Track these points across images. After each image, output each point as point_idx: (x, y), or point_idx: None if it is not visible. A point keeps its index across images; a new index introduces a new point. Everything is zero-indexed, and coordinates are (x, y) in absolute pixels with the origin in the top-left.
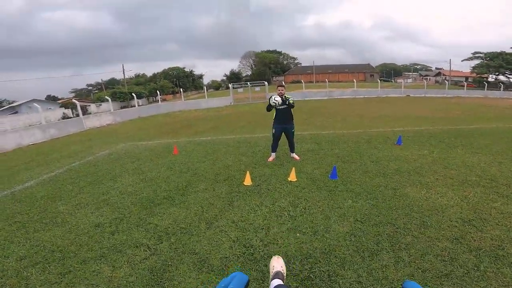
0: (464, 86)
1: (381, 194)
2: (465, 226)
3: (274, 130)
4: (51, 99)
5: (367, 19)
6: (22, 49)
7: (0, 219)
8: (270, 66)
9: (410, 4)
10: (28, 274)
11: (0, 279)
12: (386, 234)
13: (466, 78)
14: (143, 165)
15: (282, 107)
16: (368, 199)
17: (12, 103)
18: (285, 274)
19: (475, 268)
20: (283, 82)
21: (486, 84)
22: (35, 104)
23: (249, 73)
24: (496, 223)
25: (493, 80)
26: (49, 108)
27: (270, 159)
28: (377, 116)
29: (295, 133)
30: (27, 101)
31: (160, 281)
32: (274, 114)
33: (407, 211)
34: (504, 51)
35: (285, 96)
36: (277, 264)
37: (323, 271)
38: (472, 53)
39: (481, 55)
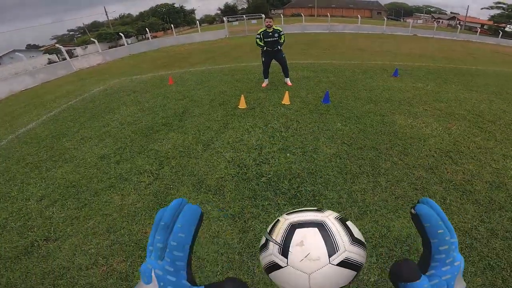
0: (477, 31)
1: (369, 119)
2: (442, 157)
3: (263, 59)
4: (32, 47)
5: None
6: None
7: (12, 162)
8: None
9: None
10: (50, 213)
11: (28, 222)
12: (369, 158)
13: (482, 25)
14: (140, 96)
15: (271, 39)
16: (357, 123)
17: None
18: None
19: (442, 200)
20: (270, 16)
21: (501, 32)
22: (18, 53)
23: (245, 6)
24: (472, 157)
25: (510, 30)
26: (32, 56)
27: (264, 84)
28: (378, 51)
29: (287, 60)
30: (8, 52)
31: (164, 204)
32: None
33: (391, 137)
34: None
35: (274, 28)
36: None
37: (308, 190)
38: (494, 3)
39: (503, 5)
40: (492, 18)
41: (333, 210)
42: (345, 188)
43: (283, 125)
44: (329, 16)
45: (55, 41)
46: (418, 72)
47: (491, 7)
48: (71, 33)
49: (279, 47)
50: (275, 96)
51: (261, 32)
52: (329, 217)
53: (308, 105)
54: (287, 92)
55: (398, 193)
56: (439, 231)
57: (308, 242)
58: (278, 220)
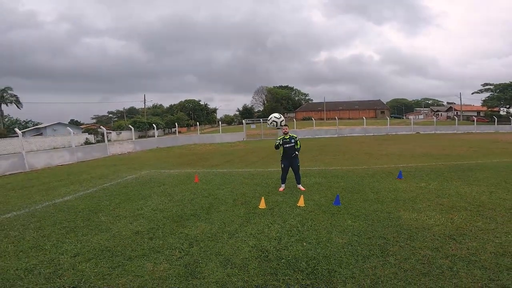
0: (474, 121)
1: (377, 216)
2: (446, 239)
3: (282, 165)
4: (74, 123)
5: (376, 54)
6: (54, 72)
7: (48, 224)
8: (282, 102)
9: (414, 37)
10: (83, 267)
11: (57, 271)
12: (378, 244)
13: (478, 112)
14: (169, 189)
15: (288, 145)
16: (366, 220)
17: (37, 124)
18: None
19: (449, 270)
20: (286, 124)
21: (496, 118)
22: (68, 128)
23: (261, 108)
24: (474, 237)
25: (504, 113)
26: (74, 133)
27: (281, 189)
28: (384, 154)
29: (300, 167)
30: (52, 124)
31: (193, 273)
32: (282, 151)
33: (398, 229)
34: None
35: (290, 135)
36: None
37: (324, 268)
38: (482, 85)
39: (491, 87)
40: (485, 103)
41: (347, 283)
42: (357, 266)
43: (299, 223)
44: (337, 119)
45: (95, 120)
46: (421, 173)
47: (481, 91)
48: (110, 115)
49: (296, 152)
50: (291, 199)
51: (280, 139)
52: None
53: (321, 207)
54: (302, 196)
55: (406, 267)
56: None
57: None
58: None
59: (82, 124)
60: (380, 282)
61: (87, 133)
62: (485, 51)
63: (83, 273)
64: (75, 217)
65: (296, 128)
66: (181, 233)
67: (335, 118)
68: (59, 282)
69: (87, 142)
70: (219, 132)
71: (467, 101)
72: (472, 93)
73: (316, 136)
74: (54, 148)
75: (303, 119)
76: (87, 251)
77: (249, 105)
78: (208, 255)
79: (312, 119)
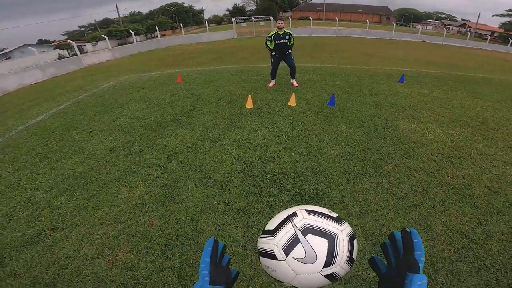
0: (487, 39)
1: (373, 123)
2: (443, 161)
3: (272, 59)
4: (43, 42)
5: None
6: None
7: (22, 152)
8: (277, 1)
9: None
10: (58, 203)
11: (35, 211)
12: (372, 160)
13: (492, 32)
14: (149, 93)
15: (281, 41)
16: (361, 127)
17: (3, 50)
18: None
19: (441, 203)
20: (283, 17)
21: (510, 40)
22: (30, 48)
23: (254, 8)
24: (472, 163)
25: None
26: (43, 51)
27: (270, 84)
28: (386, 56)
29: (295, 61)
30: (19, 46)
31: (171, 196)
32: (273, 47)
33: (394, 141)
34: None
35: (284, 31)
36: None
37: (312, 188)
38: (506, 10)
39: None
40: (503, 25)
41: (334, 209)
42: (348, 188)
43: (289, 126)
44: (337, 20)
45: (66, 37)
46: (424, 79)
47: (503, 15)
48: (82, 29)
49: (289, 50)
50: (282, 97)
51: (272, 34)
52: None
53: (314, 108)
54: (293, 94)
55: (399, 195)
56: (423, 247)
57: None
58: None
59: (53, 42)
60: (369, 211)
61: (58, 49)
62: None
63: (59, 210)
64: (48, 140)
65: (291, 26)
66: (159, 144)
67: (335, 20)
68: (39, 225)
69: (61, 57)
70: (207, 32)
71: (484, 22)
72: (493, 15)
73: (313, 35)
74: (27, 68)
75: (300, 19)
76: (61, 181)
77: (240, 4)
78: (187, 171)
79: (310, 19)
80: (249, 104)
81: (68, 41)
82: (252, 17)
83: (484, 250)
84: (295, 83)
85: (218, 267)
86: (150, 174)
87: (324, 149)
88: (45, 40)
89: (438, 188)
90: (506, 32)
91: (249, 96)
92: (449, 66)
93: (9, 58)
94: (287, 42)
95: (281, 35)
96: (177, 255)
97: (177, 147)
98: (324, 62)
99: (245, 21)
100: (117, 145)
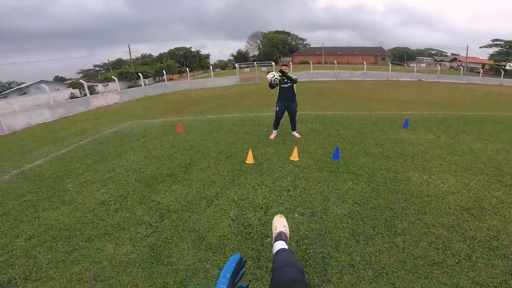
0: (480, 72)
1: (382, 177)
2: (463, 214)
3: (277, 108)
4: (59, 80)
5: (381, 4)
6: (34, 33)
7: (10, 198)
8: (278, 47)
9: None
10: (36, 253)
11: (10, 259)
12: (383, 218)
13: (483, 65)
14: (148, 142)
15: (285, 85)
16: (369, 182)
17: (20, 84)
18: (288, 235)
19: (467, 258)
20: (288, 62)
21: (503, 72)
22: (43, 85)
23: (256, 53)
24: (495, 213)
25: (511, 68)
26: (57, 89)
27: (272, 136)
28: (385, 98)
29: (298, 112)
30: (35, 82)
31: (160, 258)
32: (278, 92)
33: (407, 196)
34: None
35: (289, 75)
36: (280, 224)
37: (317, 252)
38: (491, 40)
39: (500, 42)
40: (492, 57)
41: (344, 275)
42: (358, 250)
43: (291, 184)
44: (335, 63)
45: (81, 75)
46: (428, 123)
47: (489, 46)
48: (96, 68)
49: (292, 83)
50: (284, 150)
51: (277, 77)
52: None
53: (318, 162)
54: (295, 147)
55: (417, 254)
56: None
57: None
58: None
59: (68, 79)
60: (384, 273)
61: (71, 88)
62: (497, 8)
63: (35, 260)
64: (40, 187)
65: (292, 71)
66: (153, 201)
67: (333, 63)
68: (11, 272)
69: (73, 97)
70: (211, 77)
71: (473, 54)
72: (480, 47)
73: (314, 79)
74: (38, 106)
75: (300, 63)
76: (43, 231)
77: (244, 50)
78: (180, 231)
79: (309, 63)
80: (250, 159)
81: (80, 80)
82: (255, 63)
83: None
84: (297, 135)
85: (234, 285)
86: (139, 232)
87: (329, 209)
88: (61, 77)
89: (462, 243)
90: (496, 63)
91: (250, 150)
92: (450, 106)
93: (24, 93)
94: (292, 85)
95: (285, 80)
96: None
97: (171, 205)
98: (326, 108)
99: (248, 67)
100: (109, 198)
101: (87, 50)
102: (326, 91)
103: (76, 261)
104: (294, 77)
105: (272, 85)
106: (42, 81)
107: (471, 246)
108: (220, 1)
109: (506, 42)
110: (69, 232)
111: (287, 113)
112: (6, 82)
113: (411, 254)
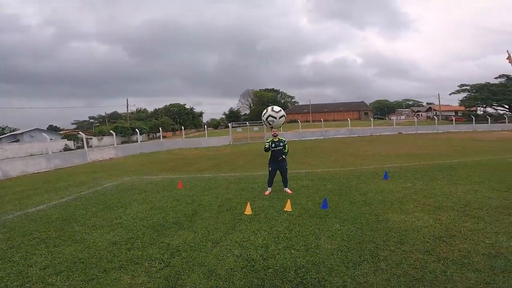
0: (453, 120)
1: (365, 219)
2: (436, 241)
3: (270, 168)
4: (53, 129)
5: (359, 57)
6: (37, 78)
7: (18, 235)
8: (268, 105)
9: (395, 41)
10: (53, 280)
11: (26, 285)
12: (368, 249)
13: (456, 112)
14: (151, 196)
15: (277, 148)
16: (354, 223)
17: (14, 130)
18: None
19: (443, 273)
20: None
21: (473, 118)
22: (44, 134)
23: (248, 112)
24: (464, 238)
25: (481, 112)
26: (51, 139)
27: (267, 192)
28: (369, 154)
29: (287, 170)
30: (30, 130)
31: (175, 286)
32: (270, 154)
33: (387, 232)
34: (489, 82)
35: (279, 138)
36: None
37: (313, 278)
38: (458, 86)
39: (467, 87)
40: (462, 102)
41: None
42: (348, 274)
43: (287, 228)
44: (322, 121)
45: (74, 126)
46: (406, 173)
47: (458, 91)
48: (91, 120)
49: (283, 156)
50: (278, 203)
51: (269, 141)
52: None
53: (309, 211)
54: (288, 200)
55: (399, 273)
56: None
57: None
58: None
59: (62, 129)
60: None
61: (66, 139)
62: (460, 54)
63: (52, 286)
64: (47, 228)
65: (282, 131)
66: (162, 242)
67: (320, 120)
68: None
69: (67, 149)
70: (205, 136)
71: (445, 102)
72: (450, 94)
73: (302, 138)
74: (31, 155)
75: (289, 122)
76: (58, 263)
77: (236, 109)
78: (191, 266)
79: (298, 122)
80: (248, 210)
81: (80, 132)
82: (247, 122)
83: None
84: (289, 190)
85: None
86: (153, 266)
87: (321, 245)
88: (55, 127)
89: (437, 263)
90: (467, 109)
91: (248, 203)
92: (426, 156)
93: (17, 140)
94: (282, 148)
95: (276, 142)
96: None
97: (180, 246)
98: (315, 167)
99: (239, 126)
100: (119, 239)
101: (84, 100)
102: (314, 150)
103: None
104: (286, 150)
105: (267, 149)
106: (37, 129)
107: (445, 265)
108: (214, 59)
109: (471, 86)
110: (84, 264)
111: (278, 172)
112: (0, 127)
113: (393, 273)
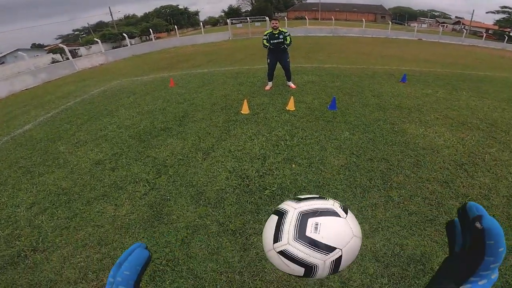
0: (483, 36)
1: (379, 128)
2: (457, 170)
3: (268, 60)
4: (37, 47)
5: None
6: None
7: (5, 166)
8: (272, 1)
9: None
10: (39, 222)
11: (15, 231)
12: (380, 170)
13: (487, 29)
14: (140, 99)
15: (276, 41)
16: (365, 132)
17: None
18: None
19: None
20: (276, 17)
21: (506, 37)
22: (20, 53)
23: (249, 8)
24: (487, 170)
25: None
26: (36, 55)
27: (267, 87)
28: (383, 55)
29: (292, 64)
30: (12, 51)
31: (160, 216)
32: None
33: (403, 148)
34: None
35: (279, 30)
36: None
37: None
38: (500, 7)
39: (509, 10)
40: (498, 22)
41: None
42: (355, 203)
43: (288, 133)
44: (333, 19)
45: (60, 40)
46: (426, 78)
47: (497, 11)
48: (76, 33)
49: (285, 46)
50: (279, 101)
51: (267, 33)
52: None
53: (314, 112)
54: (292, 97)
55: (411, 209)
56: (500, 249)
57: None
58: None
59: (47, 46)
60: (379, 229)
61: (51, 53)
62: None
63: (39, 230)
64: (32, 152)
65: (287, 26)
66: (148, 157)
67: (330, 19)
68: (19, 245)
69: (54, 62)
70: (202, 33)
71: (478, 19)
72: (487, 12)
73: (309, 35)
74: (19, 73)
75: (296, 19)
76: (42, 198)
77: (236, 6)
78: (178, 187)
79: (305, 18)
80: (245, 109)
81: (60, 45)
82: (248, 18)
83: (506, 267)
84: (292, 85)
85: None
86: (137, 191)
87: (327, 159)
88: (39, 44)
89: (454, 200)
90: (501, 29)
91: (245, 101)
92: (449, 65)
93: (2, 63)
94: (283, 40)
95: (276, 35)
96: (167, 282)
97: (167, 160)
98: (322, 62)
99: (240, 22)
100: (103, 157)
101: (63, 16)
102: (322, 46)
103: (79, 227)
104: (288, 39)
105: (265, 45)
106: (19, 50)
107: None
108: None
109: None
110: (68, 196)
111: (280, 66)
112: None
113: (405, 209)
